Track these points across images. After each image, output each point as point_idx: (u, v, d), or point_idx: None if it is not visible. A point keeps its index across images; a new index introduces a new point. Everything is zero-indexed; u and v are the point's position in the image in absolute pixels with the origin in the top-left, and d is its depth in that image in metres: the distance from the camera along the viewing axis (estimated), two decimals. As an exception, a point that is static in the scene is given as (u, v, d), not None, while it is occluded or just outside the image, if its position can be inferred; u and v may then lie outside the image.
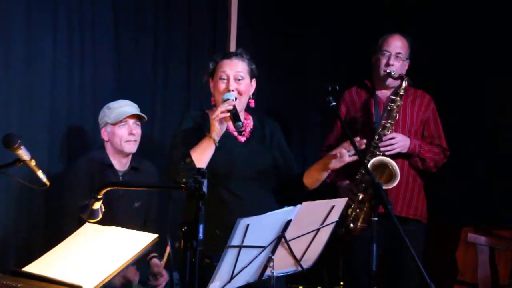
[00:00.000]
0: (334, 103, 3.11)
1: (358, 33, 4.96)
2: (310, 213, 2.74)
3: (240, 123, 2.95)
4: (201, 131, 3.11)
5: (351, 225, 3.69)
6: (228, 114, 2.96)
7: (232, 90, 3.09)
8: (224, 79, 3.13)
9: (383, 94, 3.90)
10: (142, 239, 2.65)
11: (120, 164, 3.68)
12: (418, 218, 3.87)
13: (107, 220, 2.77)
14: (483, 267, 4.22)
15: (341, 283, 4.41)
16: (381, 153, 3.69)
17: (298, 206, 2.66)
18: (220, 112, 2.96)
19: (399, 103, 3.73)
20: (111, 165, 3.64)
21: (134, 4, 4.21)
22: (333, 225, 2.90)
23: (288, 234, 2.70)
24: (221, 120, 2.98)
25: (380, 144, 3.71)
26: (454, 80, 4.76)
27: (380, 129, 3.72)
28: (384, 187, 2.91)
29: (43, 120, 3.82)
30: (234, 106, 2.99)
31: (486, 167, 4.64)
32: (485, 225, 4.42)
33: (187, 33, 4.46)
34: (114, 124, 3.63)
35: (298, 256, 2.83)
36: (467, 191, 4.66)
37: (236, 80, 3.13)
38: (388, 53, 3.82)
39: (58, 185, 3.59)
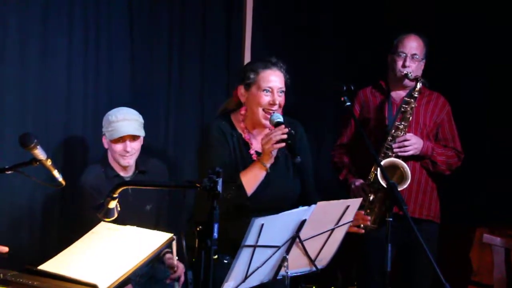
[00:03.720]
0: (348, 103, 3.10)
1: (372, 33, 4.93)
2: (324, 213, 2.74)
3: (299, 158, 2.80)
4: (228, 141, 3.03)
5: (361, 225, 3.67)
6: (283, 144, 2.84)
7: (276, 104, 2.97)
8: (268, 91, 2.98)
9: (397, 95, 3.88)
10: (157, 238, 2.66)
11: (125, 171, 3.67)
12: (431, 219, 3.85)
13: (119, 224, 2.78)
14: (498, 268, 4.20)
15: (355, 283, 4.40)
16: (393, 155, 3.67)
17: (313, 206, 2.65)
18: (275, 142, 2.84)
19: (413, 105, 3.70)
20: (117, 175, 3.63)
21: (149, 7, 4.21)
22: (347, 225, 2.89)
23: (303, 234, 2.69)
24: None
25: (393, 146, 3.68)
26: (459, 79, 4.72)
27: (393, 130, 3.70)
28: (395, 189, 2.90)
29: (58, 121, 3.85)
30: (288, 133, 2.85)
31: (501, 166, 4.60)
32: (500, 226, 4.39)
33: (202, 37, 4.44)
34: (110, 139, 3.60)
35: (313, 256, 2.83)
36: (481, 191, 4.63)
37: (278, 93, 3.00)
38: (404, 54, 3.79)
39: (73, 185, 3.62)
